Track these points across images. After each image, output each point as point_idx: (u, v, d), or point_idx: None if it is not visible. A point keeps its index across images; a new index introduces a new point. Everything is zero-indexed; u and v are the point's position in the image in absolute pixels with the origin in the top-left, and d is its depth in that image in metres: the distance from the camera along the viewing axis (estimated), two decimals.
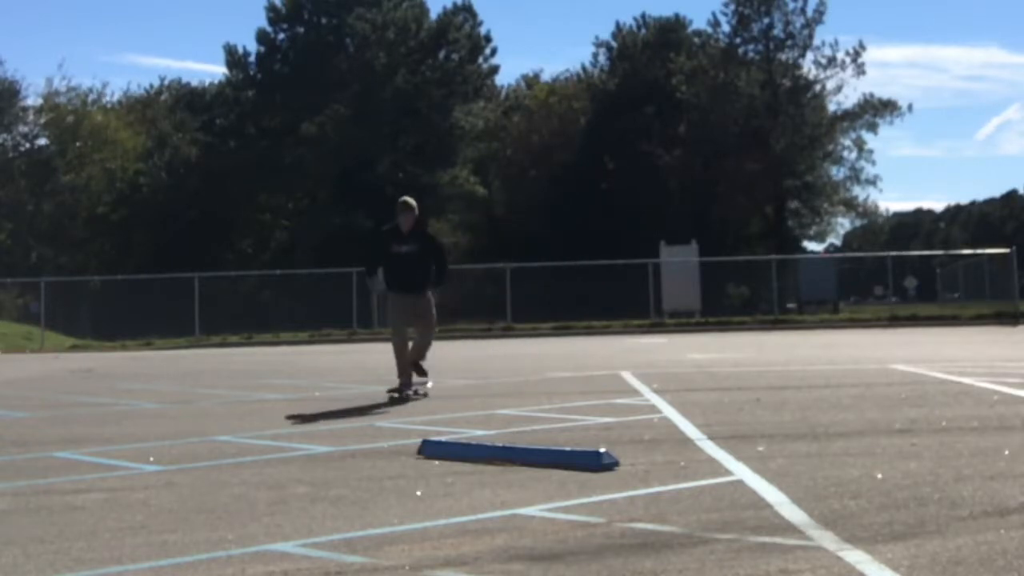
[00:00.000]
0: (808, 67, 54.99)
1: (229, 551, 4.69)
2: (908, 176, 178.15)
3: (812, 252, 58.33)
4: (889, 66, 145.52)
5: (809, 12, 54.48)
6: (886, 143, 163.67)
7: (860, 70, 53.83)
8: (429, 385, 11.84)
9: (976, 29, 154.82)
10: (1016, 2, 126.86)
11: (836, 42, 54.83)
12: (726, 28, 56.37)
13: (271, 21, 59.50)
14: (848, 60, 53.85)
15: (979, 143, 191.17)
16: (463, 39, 60.31)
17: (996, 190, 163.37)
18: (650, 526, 4.93)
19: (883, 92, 57.28)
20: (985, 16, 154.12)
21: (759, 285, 42.38)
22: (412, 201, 11.65)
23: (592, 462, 6.52)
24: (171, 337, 30.83)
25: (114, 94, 61.59)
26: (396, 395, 11.38)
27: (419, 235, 11.63)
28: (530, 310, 32.02)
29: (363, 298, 32.38)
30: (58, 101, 54.03)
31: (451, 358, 18.19)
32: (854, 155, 57.29)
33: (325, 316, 32.36)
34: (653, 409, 9.67)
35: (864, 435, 7.73)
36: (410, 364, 11.57)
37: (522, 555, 4.47)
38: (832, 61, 54.08)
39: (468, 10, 61.45)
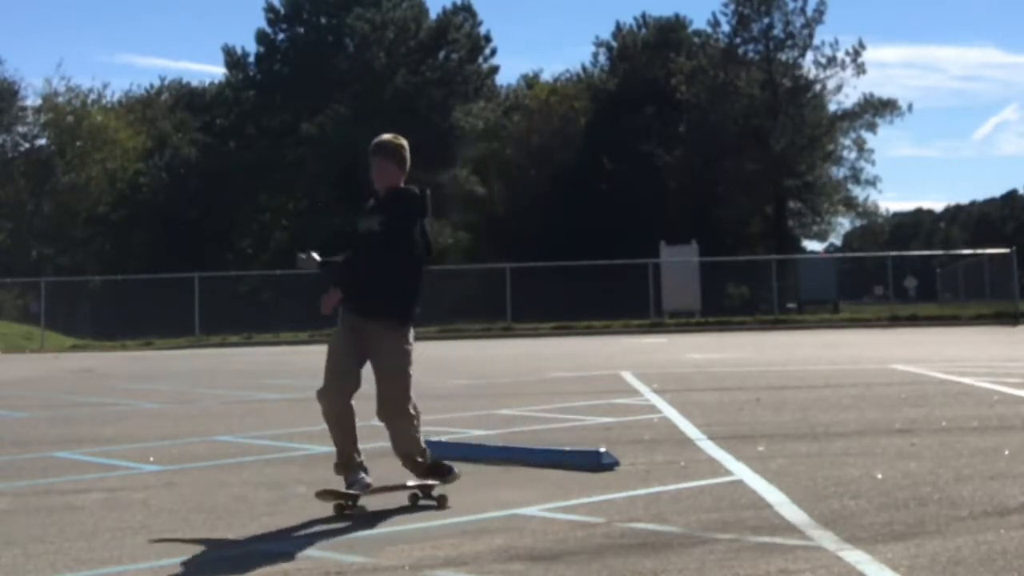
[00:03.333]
0: (808, 67, 55.01)
1: (229, 551, 4.69)
2: (906, 176, 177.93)
3: (812, 252, 58.28)
4: (886, 66, 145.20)
5: (809, 12, 54.51)
6: (884, 143, 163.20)
7: (860, 69, 53.75)
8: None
9: (972, 29, 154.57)
10: (1012, 2, 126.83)
11: (836, 41, 54.75)
12: (726, 28, 56.37)
13: (270, 22, 59.47)
14: (848, 60, 53.84)
15: (977, 143, 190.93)
16: (463, 39, 60.27)
17: (994, 190, 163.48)
18: (650, 526, 4.93)
19: (880, 92, 56.85)
20: (981, 16, 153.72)
21: (759, 285, 42.34)
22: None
23: (592, 462, 6.52)
24: (171, 337, 30.84)
25: (114, 94, 61.39)
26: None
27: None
28: (530, 310, 31.99)
29: None
30: (57, 101, 53.98)
31: (451, 358, 18.20)
32: (854, 155, 57.33)
33: (325, 316, 32.25)
34: (653, 409, 9.67)
35: (864, 435, 7.73)
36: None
37: (522, 555, 4.47)
38: (832, 61, 54.04)
39: (468, 10, 61.42)
